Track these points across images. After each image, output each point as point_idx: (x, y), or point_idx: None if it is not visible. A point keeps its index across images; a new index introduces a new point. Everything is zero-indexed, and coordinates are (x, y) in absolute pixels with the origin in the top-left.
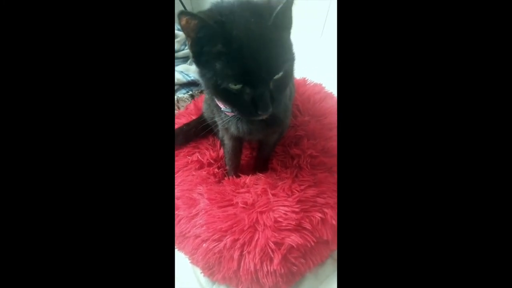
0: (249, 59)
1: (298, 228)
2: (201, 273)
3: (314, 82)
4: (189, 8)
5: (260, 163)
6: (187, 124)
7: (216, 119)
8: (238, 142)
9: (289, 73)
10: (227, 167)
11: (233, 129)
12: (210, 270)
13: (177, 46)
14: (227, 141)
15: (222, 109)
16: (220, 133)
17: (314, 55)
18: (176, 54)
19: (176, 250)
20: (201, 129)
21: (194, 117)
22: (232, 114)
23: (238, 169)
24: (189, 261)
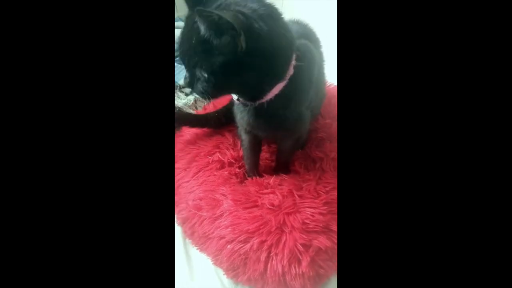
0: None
1: (325, 230)
2: (224, 274)
3: (334, 84)
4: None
5: (279, 167)
6: (218, 111)
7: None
8: (252, 137)
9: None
10: (246, 166)
11: (240, 119)
12: (234, 271)
13: None
14: (243, 136)
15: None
16: (238, 128)
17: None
18: None
19: (197, 251)
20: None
21: None
22: (238, 102)
23: (256, 169)
24: (212, 262)
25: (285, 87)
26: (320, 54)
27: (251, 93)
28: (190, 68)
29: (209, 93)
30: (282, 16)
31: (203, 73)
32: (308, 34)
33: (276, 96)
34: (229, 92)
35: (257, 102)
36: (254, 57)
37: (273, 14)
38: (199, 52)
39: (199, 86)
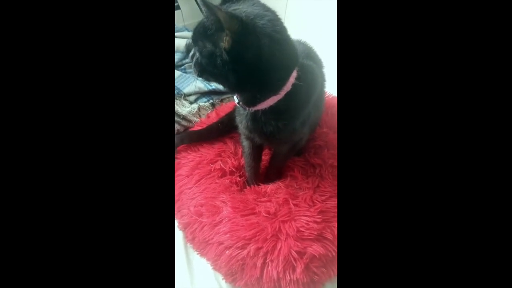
0: None
1: (319, 238)
2: (222, 279)
3: (333, 95)
4: None
5: (270, 172)
6: (220, 121)
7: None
8: (252, 144)
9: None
10: (247, 174)
11: (239, 122)
12: (232, 276)
13: None
14: (244, 142)
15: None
16: (240, 136)
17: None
18: None
19: (198, 256)
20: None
21: None
22: (239, 105)
23: (257, 176)
24: (211, 267)
25: (280, 101)
26: (322, 74)
27: (243, 96)
28: (193, 43)
29: (196, 71)
30: (290, 38)
31: (197, 52)
32: (312, 56)
33: (271, 107)
34: (214, 81)
35: (252, 109)
36: (240, 63)
37: (281, 36)
38: (200, 34)
39: (193, 60)
